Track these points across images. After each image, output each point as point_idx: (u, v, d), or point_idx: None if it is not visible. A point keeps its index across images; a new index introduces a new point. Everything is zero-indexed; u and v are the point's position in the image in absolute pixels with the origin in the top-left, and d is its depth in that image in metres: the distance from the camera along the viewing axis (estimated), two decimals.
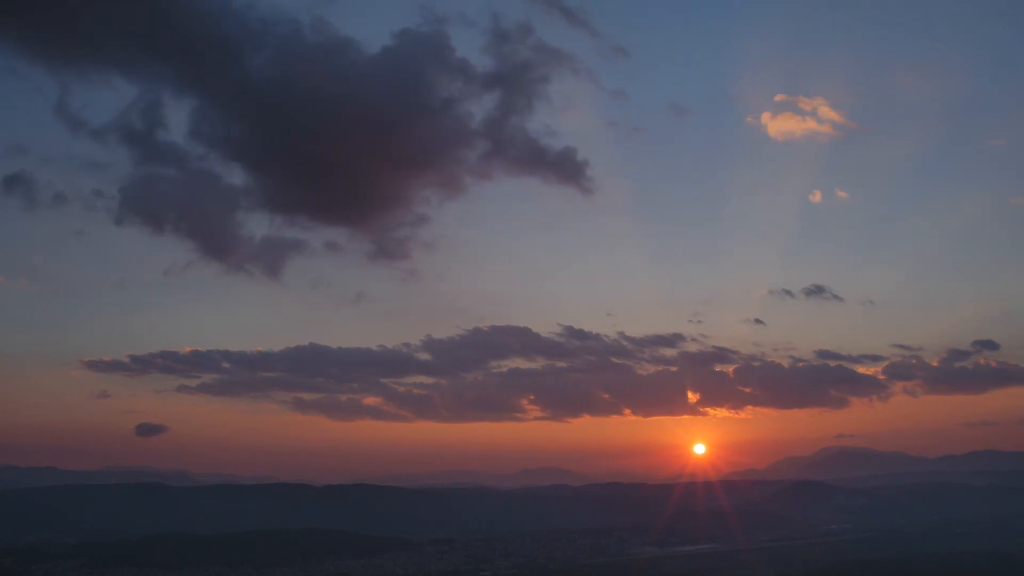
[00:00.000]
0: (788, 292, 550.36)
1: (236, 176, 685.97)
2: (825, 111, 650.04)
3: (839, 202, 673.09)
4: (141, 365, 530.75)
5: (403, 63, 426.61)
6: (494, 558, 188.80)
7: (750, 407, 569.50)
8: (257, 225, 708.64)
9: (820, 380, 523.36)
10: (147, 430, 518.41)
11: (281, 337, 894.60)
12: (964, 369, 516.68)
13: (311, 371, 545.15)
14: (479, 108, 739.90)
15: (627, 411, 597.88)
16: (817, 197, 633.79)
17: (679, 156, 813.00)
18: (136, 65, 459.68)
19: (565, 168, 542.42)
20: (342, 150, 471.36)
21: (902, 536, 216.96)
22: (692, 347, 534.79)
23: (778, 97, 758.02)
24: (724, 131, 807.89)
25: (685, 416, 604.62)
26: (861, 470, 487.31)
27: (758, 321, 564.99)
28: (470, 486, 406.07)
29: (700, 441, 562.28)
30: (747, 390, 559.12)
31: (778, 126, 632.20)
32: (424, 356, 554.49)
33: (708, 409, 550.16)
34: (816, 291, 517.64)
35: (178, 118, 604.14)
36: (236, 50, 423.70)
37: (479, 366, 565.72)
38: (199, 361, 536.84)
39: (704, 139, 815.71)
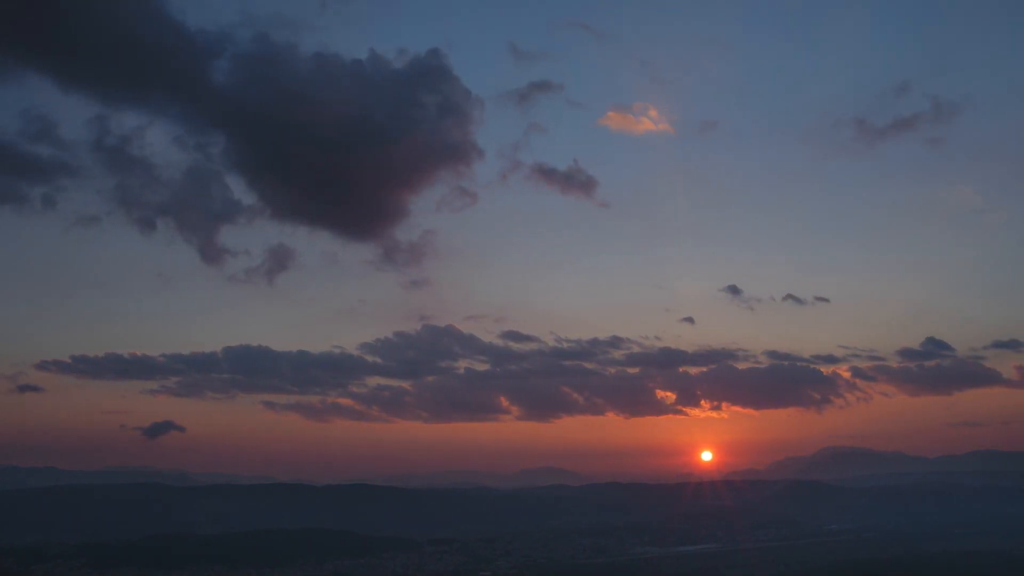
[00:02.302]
0: (711, 294, 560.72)
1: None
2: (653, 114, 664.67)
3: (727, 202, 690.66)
4: (91, 366, 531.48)
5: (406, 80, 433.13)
6: (494, 558, 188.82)
7: (728, 406, 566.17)
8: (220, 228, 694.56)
9: (791, 380, 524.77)
10: (156, 430, 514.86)
11: (223, 338, 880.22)
12: (928, 370, 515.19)
13: (266, 373, 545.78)
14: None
15: (609, 412, 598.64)
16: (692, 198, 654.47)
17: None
18: (114, 73, 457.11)
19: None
20: (324, 155, 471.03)
21: (902, 536, 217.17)
22: (635, 348, 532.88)
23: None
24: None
25: (667, 416, 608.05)
26: (861, 470, 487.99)
27: (688, 320, 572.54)
28: (470, 486, 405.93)
29: (689, 441, 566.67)
30: (719, 390, 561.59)
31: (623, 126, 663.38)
32: (371, 359, 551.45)
33: (688, 409, 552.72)
34: (733, 291, 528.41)
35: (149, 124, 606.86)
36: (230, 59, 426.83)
37: (432, 367, 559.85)
38: (152, 364, 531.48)
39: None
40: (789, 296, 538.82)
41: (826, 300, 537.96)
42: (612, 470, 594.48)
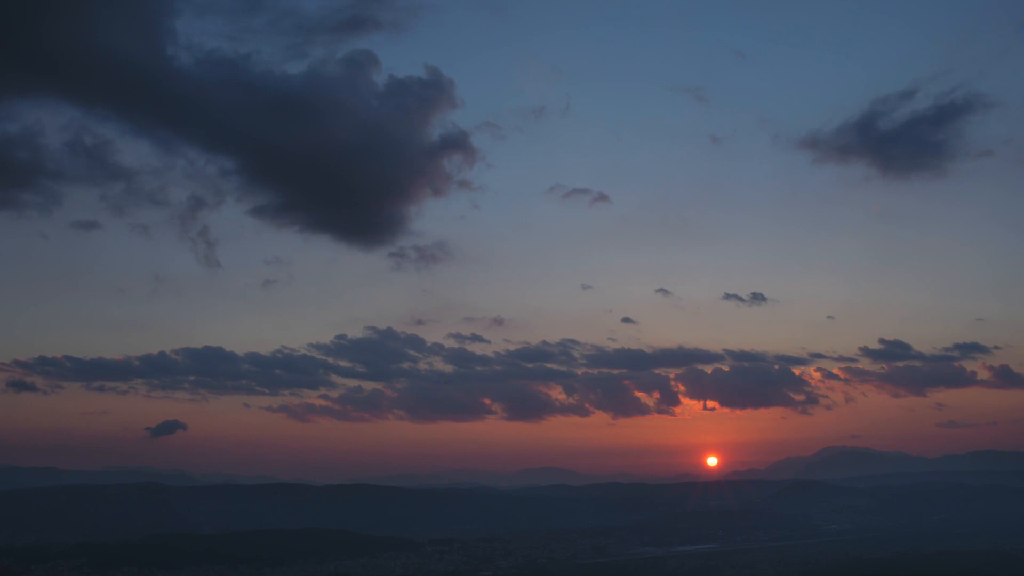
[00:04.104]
0: (647, 295, 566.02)
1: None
2: None
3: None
4: (54, 366, 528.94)
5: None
6: (494, 558, 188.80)
7: (714, 406, 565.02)
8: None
9: (771, 382, 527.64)
10: (161, 430, 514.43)
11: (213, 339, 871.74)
12: (900, 371, 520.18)
13: (259, 375, 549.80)
14: None
15: (595, 413, 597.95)
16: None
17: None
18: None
19: None
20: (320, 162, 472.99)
21: (902, 536, 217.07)
22: (591, 351, 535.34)
23: None
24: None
25: (652, 416, 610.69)
26: (861, 470, 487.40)
27: (627, 320, 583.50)
28: (470, 486, 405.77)
29: (683, 441, 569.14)
30: (699, 391, 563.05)
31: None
32: (334, 360, 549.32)
33: (676, 410, 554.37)
34: (664, 292, 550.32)
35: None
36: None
37: (396, 369, 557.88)
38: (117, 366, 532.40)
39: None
40: (729, 295, 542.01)
41: (766, 299, 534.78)
42: (612, 470, 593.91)
